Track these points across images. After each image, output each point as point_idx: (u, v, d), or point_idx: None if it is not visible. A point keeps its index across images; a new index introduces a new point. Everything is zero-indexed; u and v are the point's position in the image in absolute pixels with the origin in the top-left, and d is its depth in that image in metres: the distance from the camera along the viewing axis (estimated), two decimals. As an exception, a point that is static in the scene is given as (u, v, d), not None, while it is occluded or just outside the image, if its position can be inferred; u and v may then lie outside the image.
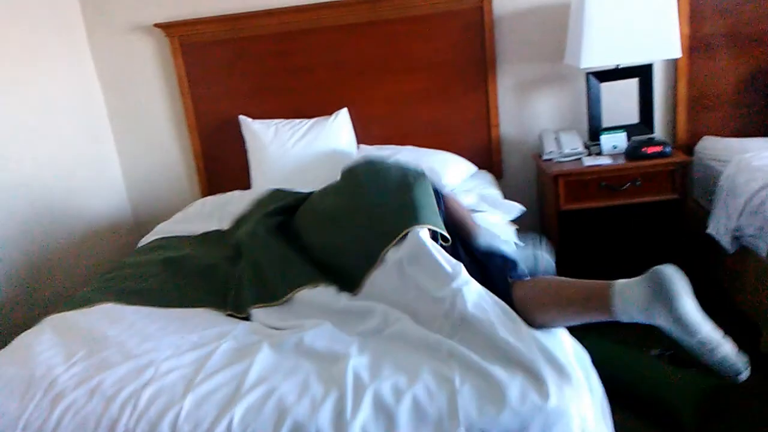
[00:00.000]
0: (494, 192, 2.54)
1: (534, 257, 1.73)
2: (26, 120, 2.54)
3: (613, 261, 2.60)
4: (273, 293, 1.64)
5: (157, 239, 2.33)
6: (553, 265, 1.73)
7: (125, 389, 1.30)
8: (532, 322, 1.41)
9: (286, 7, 2.81)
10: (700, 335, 1.26)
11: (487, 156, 2.90)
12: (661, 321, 1.29)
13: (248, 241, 1.86)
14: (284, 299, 1.62)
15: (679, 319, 1.26)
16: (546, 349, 1.28)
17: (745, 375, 1.28)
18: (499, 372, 1.23)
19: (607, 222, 2.47)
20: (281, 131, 2.82)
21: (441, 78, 2.84)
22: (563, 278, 1.52)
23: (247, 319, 1.64)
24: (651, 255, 2.54)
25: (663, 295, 1.28)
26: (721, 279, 2.54)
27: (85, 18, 2.95)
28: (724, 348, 1.27)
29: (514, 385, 1.20)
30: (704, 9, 2.65)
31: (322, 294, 1.60)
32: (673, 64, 2.75)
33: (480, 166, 2.82)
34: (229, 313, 1.67)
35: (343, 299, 1.58)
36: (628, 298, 1.32)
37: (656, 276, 1.30)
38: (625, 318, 1.35)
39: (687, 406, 1.93)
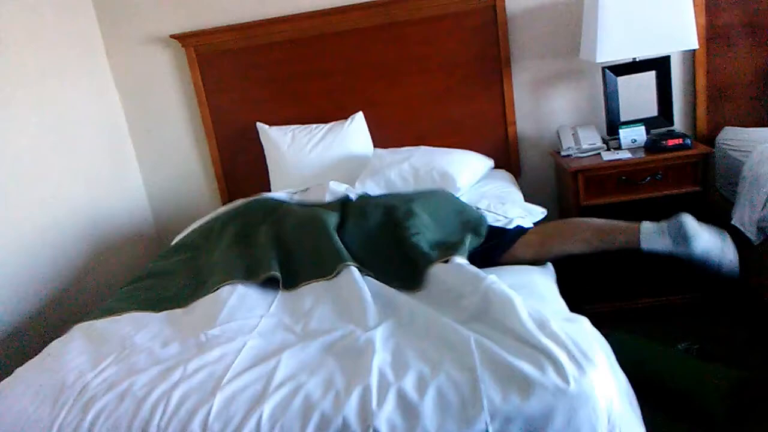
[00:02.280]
0: (515, 192, 2.53)
1: None
2: (49, 134, 2.58)
3: (636, 255, 2.57)
4: (327, 268, 1.77)
5: (173, 245, 2.40)
6: None
7: (155, 391, 1.32)
8: (548, 252, 1.86)
9: (298, 14, 2.83)
10: (711, 259, 1.77)
11: (505, 154, 2.89)
12: (680, 253, 1.76)
13: (298, 224, 2.01)
14: (334, 274, 1.75)
15: (694, 255, 1.75)
16: (569, 336, 1.28)
17: (736, 268, 1.81)
18: (522, 359, 1.23)
19: (629, 217, 2.45)
20: (298, 137, 2.84)
21: (456, 78, 2.84)
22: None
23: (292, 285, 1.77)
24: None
25: (681, 239, 1.75)
26: (746, 270, 2.50)
27: (102, 31, 2.99)
28: (727, 261, 1.79)
29: (537, 371, 1.20)
30: (720, -2, 2.62)
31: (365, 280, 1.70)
32: (691, 55, 2.72)
33: (498, 165, 2.81)
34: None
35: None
36: (651, 237, 1.80)
37: (676, 224, 1.77)
38: (647, 246, 1.81)
39: (716, 400, 1.90)
